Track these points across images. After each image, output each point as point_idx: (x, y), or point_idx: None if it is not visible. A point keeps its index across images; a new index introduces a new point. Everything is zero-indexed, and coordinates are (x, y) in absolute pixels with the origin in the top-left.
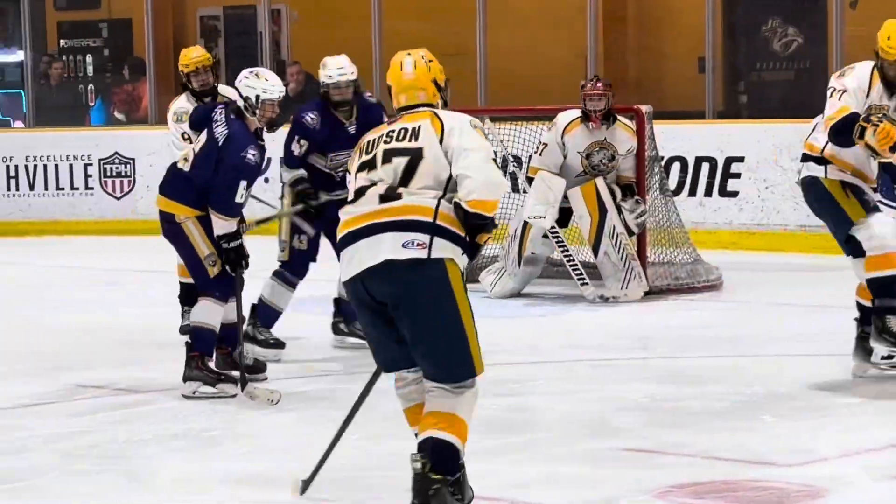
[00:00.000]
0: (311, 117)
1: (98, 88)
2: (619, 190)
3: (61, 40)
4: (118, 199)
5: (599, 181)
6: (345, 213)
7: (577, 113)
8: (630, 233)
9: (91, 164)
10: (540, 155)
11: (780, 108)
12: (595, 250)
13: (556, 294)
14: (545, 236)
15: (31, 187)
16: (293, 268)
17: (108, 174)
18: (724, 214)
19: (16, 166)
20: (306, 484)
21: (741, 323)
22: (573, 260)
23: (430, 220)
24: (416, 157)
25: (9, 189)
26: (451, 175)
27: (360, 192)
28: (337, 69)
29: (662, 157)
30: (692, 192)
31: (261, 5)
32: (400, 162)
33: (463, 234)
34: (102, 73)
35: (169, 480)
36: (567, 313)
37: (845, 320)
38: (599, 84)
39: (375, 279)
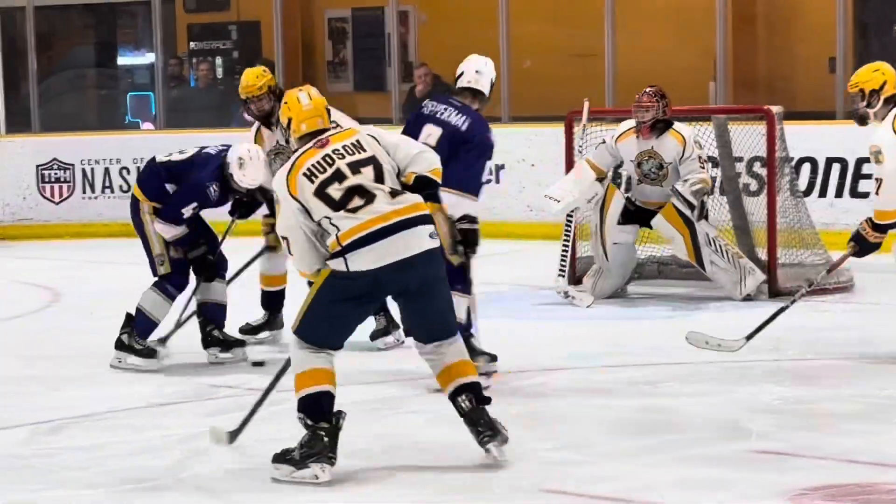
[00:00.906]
0: (213, 190)
1: (228, 90)
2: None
3: (191, 42)
4: None
5: (675, 200)
6: (368, 213)
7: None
8: (691, 206)
9: None
10: (595, 149)
11: None
12: (701, 264)
13: (683, 295)
14: (619, 223)
15: None
16: (173, 280)
17: None
18: (855, 216)
19: None
20: (234, 435)
21: (873, 325)
22: (567, 253)
23: (427, 213)
24: (377, 164)
25: None
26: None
27: (351, 197)
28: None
29: (793, 158)
30: (822, 194)
31: (389, 7)
32: (368, 170)
33: None
34: (232, 74)
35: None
36: (695, 314)
37: None
38: (646, 95)
39: (411, 267)
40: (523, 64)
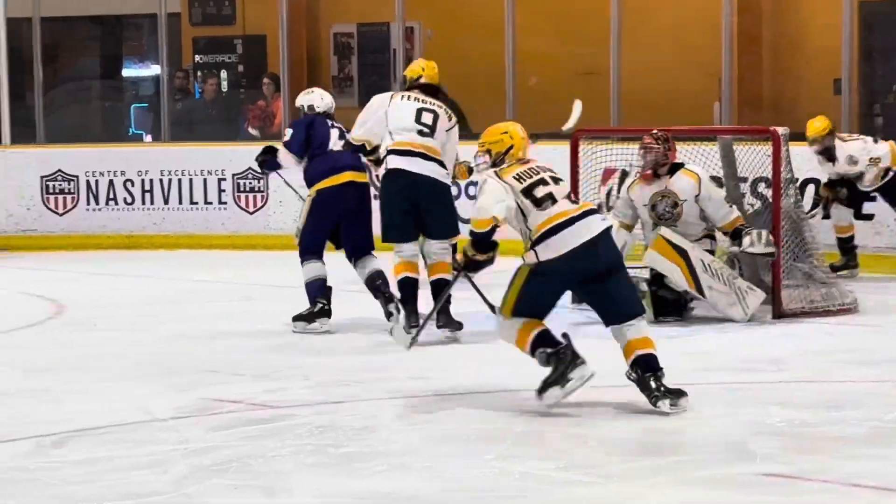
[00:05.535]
0: None
1: (233, 104)
2: (728, 240)
3: (196, 56)
4: (251, 213)
5: (663, 230)
6: (558, 209)
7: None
8: (771, 255)
9: (225, 180)
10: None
11: None
12: (700, 291)
13: (688, 314)
14: None
15: (166, 201)
16: None
17: (242, 189)
18: (859, 237)
19: (150, 180)
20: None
21: (878, 347)
22: None
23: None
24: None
25: (143, 203)
26: None
27: (550, 198)
28: None
29: (797, 179)
30: (826, 215)
31: (395, 22)
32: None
33: None
34: (237, 88)
35: (306, 497)
36: (699, 334)
37: None
38: (648, 137)
39: (593, 247)
40: (529, 81)
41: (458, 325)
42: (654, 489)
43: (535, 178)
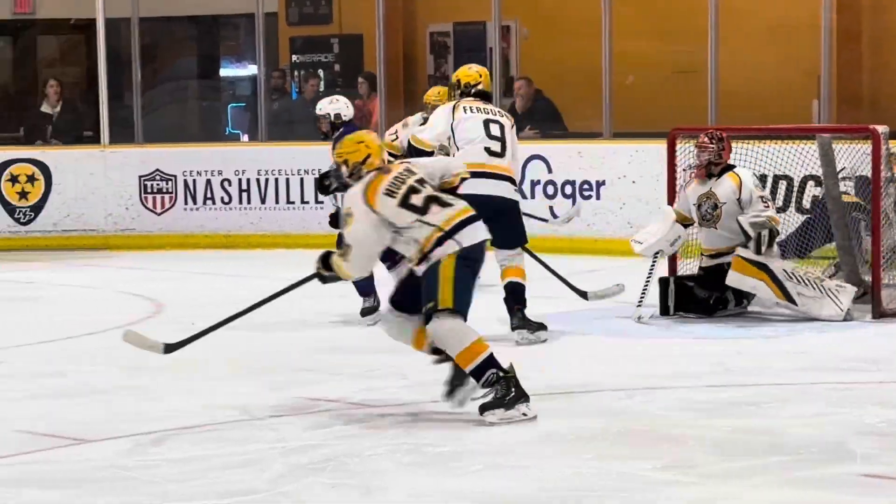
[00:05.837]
0: None
1: None
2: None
3: (293, 55)
4: None
5: (739, 250)
6: (463, 205)
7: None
8: (748, 237)
9: None
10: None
11: None
12: (790, 300)
13: (785, 315)
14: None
15: (263, 201)
16: None
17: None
18: None
19: (248, 180)
20: (171, 347)
21: None
22: (647, 287)
23: None
24: None
25: (241, 202)
26: None
27: (434, 200)
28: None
29: None
30: None
31: (491, 21)
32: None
33: None
34: (333, 88)
35: (402, 496)
36: (797, 334)
37: None
38: (703, 137)
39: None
40: (626, 80)
41: (539, 326)
42: (753, 489)
43: (405, 187)
